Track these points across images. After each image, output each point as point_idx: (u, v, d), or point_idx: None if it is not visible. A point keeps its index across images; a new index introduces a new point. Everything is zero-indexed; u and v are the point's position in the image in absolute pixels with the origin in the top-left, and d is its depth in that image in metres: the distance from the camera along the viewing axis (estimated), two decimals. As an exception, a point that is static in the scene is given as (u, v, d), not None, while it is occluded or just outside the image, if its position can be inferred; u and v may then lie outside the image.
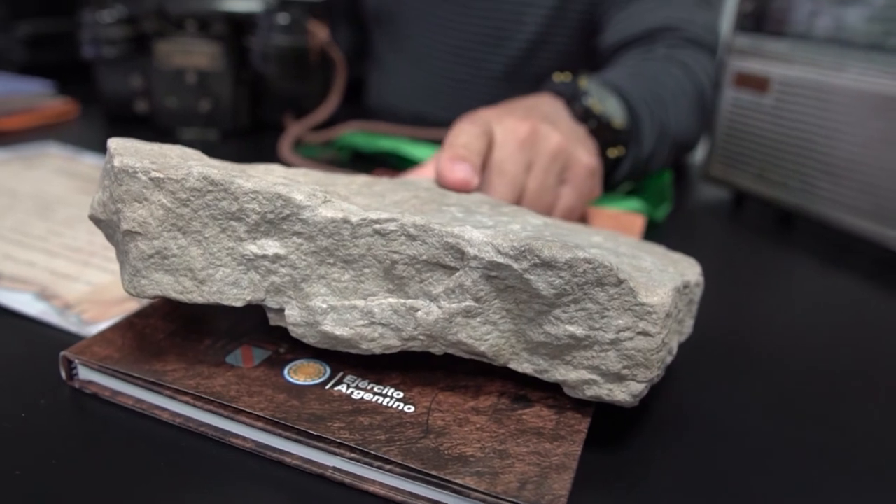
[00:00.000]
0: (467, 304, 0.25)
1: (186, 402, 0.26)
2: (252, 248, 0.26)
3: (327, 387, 0.26)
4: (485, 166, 0.38)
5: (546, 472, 0.23)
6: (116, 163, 0.25)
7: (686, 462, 0.26)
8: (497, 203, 0.33)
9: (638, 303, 0.24)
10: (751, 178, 0.58)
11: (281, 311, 0.27)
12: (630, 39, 0.67)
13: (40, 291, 0.35)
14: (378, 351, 0.26)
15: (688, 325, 0.30)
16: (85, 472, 0.23)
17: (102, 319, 0.32)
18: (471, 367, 0.29)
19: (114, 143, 0.26)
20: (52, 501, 0.22)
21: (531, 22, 0.75)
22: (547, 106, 0.45)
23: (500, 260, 0.24)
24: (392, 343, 0.26)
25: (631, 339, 0.25)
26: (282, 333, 0.30)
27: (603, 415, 0.28)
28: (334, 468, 0.24)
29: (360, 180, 0.33)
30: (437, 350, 0.26)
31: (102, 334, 0.29)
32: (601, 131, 0.47)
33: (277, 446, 0.25)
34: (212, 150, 0.63)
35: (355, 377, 0.27)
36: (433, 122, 0.79)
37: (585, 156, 0.42)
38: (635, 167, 0.52)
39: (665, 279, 0.27)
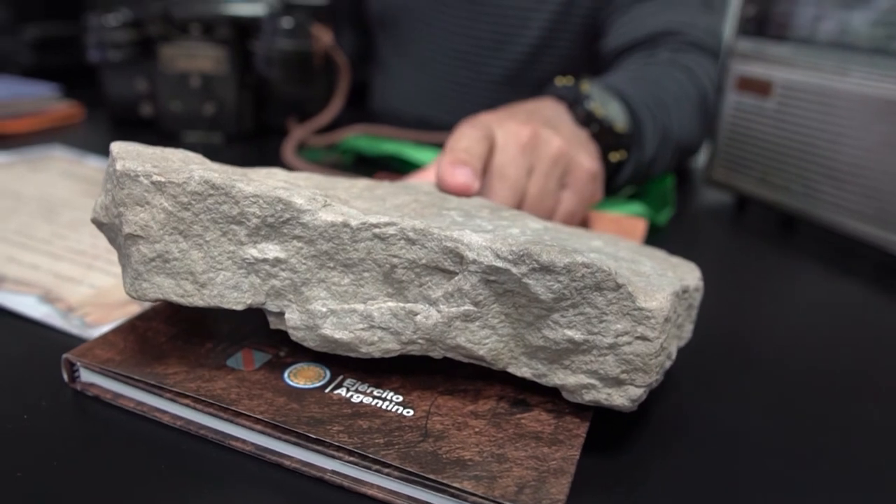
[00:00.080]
0: (466, 308, 0.25)
1: (187, 405, 0.26)
2: (252, 251, 0.26)
3: (327, 390, 0.27)
4: (486, 170, 0.38)
5: (544, 476, 0.23)
6: (118, 166, 0.25)
7: (685, 467, 0.26)
8: (497, 207, 0.33)
9: (636, 307, 0.24)
10: (753, 182, 0.58)
11: (281, 314, 0.27)
12: (633, 43, 0.67)
13: (44, 294, 0.35)
14: (377, 354, 0.26)
15: (687, 330, 0.30)
16: (86, 474, 0.24)
17: (105, 322, 0.33)
18: (470, 371, 0.29)
19: (116, 146, 0.27)
20: (52, 502, 0.22)
21: (534, 27, 0.75)
22: (549, 110, 0.45)
23: (499, 264, 0.25)
24: (391, 347, 0.26)
25: (629, 343, 0.25)
26: (282, 337, 0.30)
27: (601, 419, 0.28)
28: (333, 471, 0.24)
29: (361, 184, 0.33)
30: (436, 354, 0.27)
31: (104, 337, 0.29)
32: (603, 135, 0.47)
33: (277, 449, 0.25)
34: (216, 154, 0.63)
35: (355, 381, 0.27)
36: (437, 126, 0.79)
37: (587, 160, 0.42)
38: (637, 171, 0.52)
39: (664, 284, 0.27)
